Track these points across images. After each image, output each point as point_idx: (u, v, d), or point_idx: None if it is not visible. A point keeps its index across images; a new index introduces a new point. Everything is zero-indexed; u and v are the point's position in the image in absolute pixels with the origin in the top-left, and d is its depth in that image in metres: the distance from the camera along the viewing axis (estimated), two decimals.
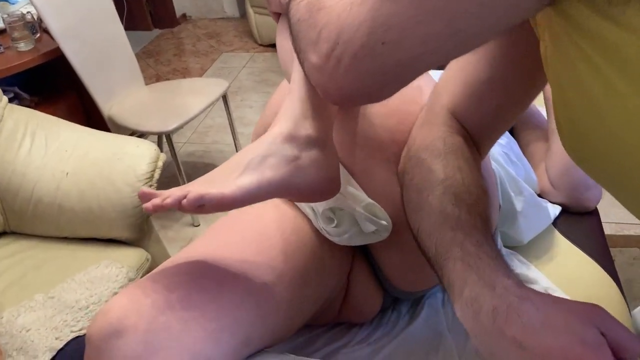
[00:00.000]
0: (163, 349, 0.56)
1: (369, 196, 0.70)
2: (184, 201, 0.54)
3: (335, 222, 0.72)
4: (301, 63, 0.54)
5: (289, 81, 0.71)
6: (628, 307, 0.91)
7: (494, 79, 0.64)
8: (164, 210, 0.56)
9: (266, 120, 1.19)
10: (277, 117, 0.63)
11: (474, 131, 0.67)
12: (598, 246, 0.99)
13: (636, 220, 1.90)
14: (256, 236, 0.71)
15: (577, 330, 0.43)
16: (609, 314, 0.45)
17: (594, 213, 1.07)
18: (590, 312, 0.45)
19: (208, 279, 0.63)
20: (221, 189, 0.56)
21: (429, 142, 0.65)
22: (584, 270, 0.93)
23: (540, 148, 1.10)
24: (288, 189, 0.61)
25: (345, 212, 0.71)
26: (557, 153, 1.04)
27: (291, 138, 0.60)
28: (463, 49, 0.43)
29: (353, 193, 0.70)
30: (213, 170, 0.61)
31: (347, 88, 0.47)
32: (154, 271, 0.65)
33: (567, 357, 0.42)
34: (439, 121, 0.67)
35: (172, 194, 0.56)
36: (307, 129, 0.61)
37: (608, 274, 0.93)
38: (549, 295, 0.47)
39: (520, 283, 0.49)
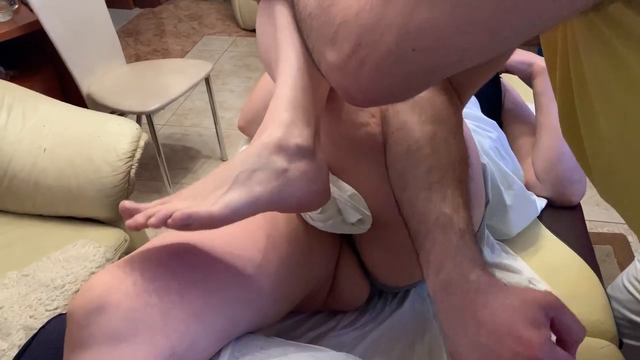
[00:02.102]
0: (147, 327, 0.55)
1: None
2: (170, 221, 0.51)
3: (320, 208, 0.71)
4: (317, 62, 0.50)
5: (270, 74, 0.68)
6: (609, 299, 0.93)
7: None
8: (146, 228, 0.53)
9: (254, 104, 1.18)
10: (264, 123, 0.59)
11: (457, 81, 0.67)
12: (581, 240, 1.01)
13: (608, 219, 1.96)
14: (243, 221, 0.70)
15: (525, 311, 0.49)
16: (559, 301, 0.51)
17: (578, 208, 1.09)
18: (542, 298, 0.51)
19: (194, 260, 0.62)
20: (209, 208, 0.53)
21: (416, 102, 0.64)
22: (567, 262, 0.95)
23: (528, 142, 1.11)
24: (277, 204, 0.58)
25: (329, 199, 0.70)
26: (544, 148, 1.05)
27: (280, 148, 0.57)
28: (500, 53, 0.41)
29: (338, 182, 0.70)
30: (197, 183, 0.58)
31: (371, 92, 0.45)
32: (139, 249, 0.63)
33: (511, 332, 0.49)
34: None
35: (156, 213, 0.52)
36: (296, 137, 0.57)
37: (590, 267, 0.94)
38: (511, 286, 0.53)
39: (489, 272, 0.55)
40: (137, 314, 0.55)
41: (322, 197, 0.63)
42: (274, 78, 0.63)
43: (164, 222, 0.52)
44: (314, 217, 0.73)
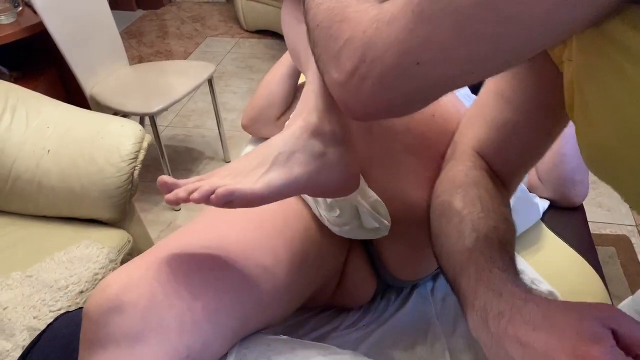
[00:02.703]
0: (163, 328, 0.55)
1: (374, 190, 0.70)
2: (213, 197, 0.52)
3: (338, 212, 0.71)
4: (320, 72, 0.51)
5: (299, 66, 0.69)
6: (611, 301, 0.93)
7: (515, 121, 0.64)
8: (187, 203, 0.53)
9: (258, 103, 1.18)
10: (297, 110, 0.60)
11: (499, 169, 0.68)
12: (584, 241, 1.01)
13: (612, 220, 1.95)
14: (257, 219, 0.70)
15: (576, 325, 0.42)
16: (620, 311, 0.43)
17: (580, 209, 1.08)
18: (595, 309, 0.43)
19: (208, 259, 0.62)
20: (251, 186, 0.53)
21: (451, 176, 0.66)
22: (570, 263, 0.95)
23: None
24: (314, 186, 0.59)
25: (348, 204, 0.70)
26: None
27: (317, 133, 0.58)
28: (503, 68, 0.42)
29: (362, 187, 0.69)
30: (236, 161, 0.59)
31: (371, 106, 0.45)
32: (152, 249, 0.63)
33: (565, 350, 0.41)
34: (464, 158, 0.67)
35: (199, 188, 0.53)
36: (332, 124, 0.58)
37: (593, 268, 0.94)
38: (555, 300, 0.46)
39: (528, 290, 0.48)
40: (154, 314, 0.55)
41: (353, 183, 0.64)
42: (304, 69, 0.64)
43: (207, 198, 0.52)
44: (331, 220, 0.73)
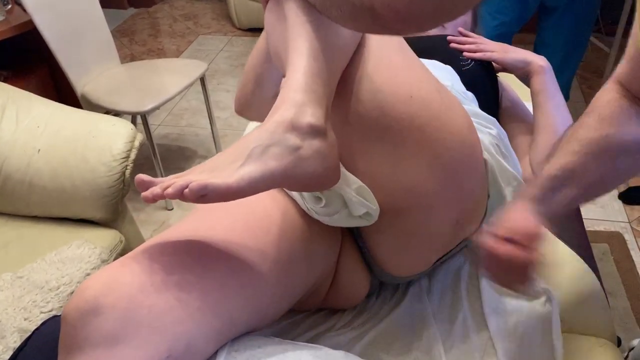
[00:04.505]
0: (143, 328, 0.54)
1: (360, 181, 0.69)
2: (186, 191, 0.52)
3: (324, 201, 0.70)
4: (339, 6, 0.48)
5: (280, 66, 0.68)
6: (606, 297, 0.92)
7: None
8: (162, 199, 0.54)
9: (247, 89, 1.16)
10: (275, 105, 0.60)
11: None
12: (579, 239, 1.01)
13: (605, 217, 1.95)
14: (242, 217, 0.69)
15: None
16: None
17: (576, 207, 1.08)
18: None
19: (191, 259, 0.62)
20: (225, 179, 0.54)
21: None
22: (564, 260, 0.94)
23: (525, 141, 1.10)
24: (290, 180, 0.59)
25: (334, 193, 0.69)
26: (541, 146, 1.04)
27: (293, 127, 0.57)
28: None
29: (345, 174, 0.69)
30: (212, 158, 0.59)
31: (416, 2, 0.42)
32: (136, 249, 0.63)
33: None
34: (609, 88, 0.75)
35: (173, 184, 0.53)
36: (308, 117, 0.58)
37: (588, 264, 0.94)
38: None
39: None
40: (133, 316, 0.55)
41: (333, 175, 0.64)
42: (283, 68, 0.64)
43: (181, 193, 0.53)
44: (318, 212, 0.73)
